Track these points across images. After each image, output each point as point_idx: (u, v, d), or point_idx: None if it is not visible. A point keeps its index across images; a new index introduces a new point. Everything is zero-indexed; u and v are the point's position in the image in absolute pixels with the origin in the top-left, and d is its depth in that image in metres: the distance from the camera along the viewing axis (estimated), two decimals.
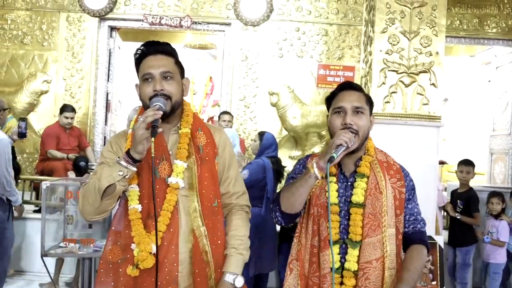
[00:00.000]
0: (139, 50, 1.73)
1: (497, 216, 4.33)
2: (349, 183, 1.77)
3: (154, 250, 1.60)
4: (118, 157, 1.59)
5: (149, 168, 1.65)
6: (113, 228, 1.72)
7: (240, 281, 1.67)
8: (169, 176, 1.66)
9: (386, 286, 1.66)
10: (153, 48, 1.72)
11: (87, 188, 1.62)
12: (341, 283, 1.69)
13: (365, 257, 1.67)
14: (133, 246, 1.63)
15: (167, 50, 1.73)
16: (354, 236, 1.69)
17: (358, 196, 1.72)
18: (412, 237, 1.77)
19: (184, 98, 1.80)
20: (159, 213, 1.62)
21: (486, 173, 6.89)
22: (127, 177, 1.57)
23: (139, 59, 1.73)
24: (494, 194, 4.42)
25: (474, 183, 5.29)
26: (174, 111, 1.70)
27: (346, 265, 1.68)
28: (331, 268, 1.68)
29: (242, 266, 1.72)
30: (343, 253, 1.71)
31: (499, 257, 4.25)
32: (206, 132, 1.77)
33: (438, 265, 3.39)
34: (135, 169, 1.57)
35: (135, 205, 1.64)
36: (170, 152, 1.71)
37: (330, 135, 1.82)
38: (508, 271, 4.43)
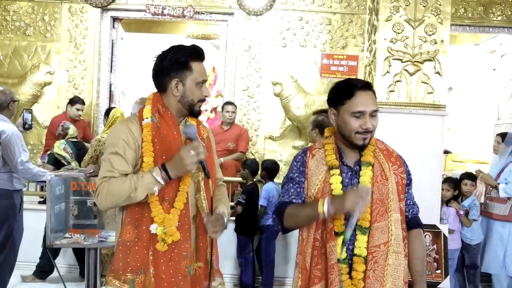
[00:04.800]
0: (194, 51, 1.87)
1: (447, 203, 4.33)
2: (353, 172, 1.81)
3: (177, 224, 1.79)
4: (155, 172, 1.74)
5: (163, 157, 1.82)
6: (129, 209, 1.84)
7: (228, 219, 1.95)
8: None
9: (389, 268, 1.71)
10: (203, 55, 1.91)
11: (118, 189, 1.75)
12: (349, 273, 1.72)
13: (374, 241, 1.72)
14: (152, 227, 1.77)
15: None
16: (364, 222, 1.73)
17: (366, 183, 1.75)
18: (412, 221, 1.89)
19: None
20: (173, 196, 1.80)
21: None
22: (157, 192, 1.77)
23: (188, 59, 1.85)
24: (445, 180, 4.40)
25: None
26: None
27: (357, 251, 1.72)
28: (338, 259, 1.71)
29: (228, 217, 1.97)
30: (350, 240, 1.73)
31: (452, 243, 4.24)
32: (204, 128, 2.07)
33: (443, 254, 3.40)
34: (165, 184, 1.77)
35: None
36: None
37: (340, 132, 1.83)
38: (463, 258, 4.43)
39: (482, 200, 4.62)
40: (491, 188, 4.49)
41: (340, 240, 1.72)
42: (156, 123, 1.84)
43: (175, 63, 1.85)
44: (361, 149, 1.82)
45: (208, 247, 1.88)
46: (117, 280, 1.80)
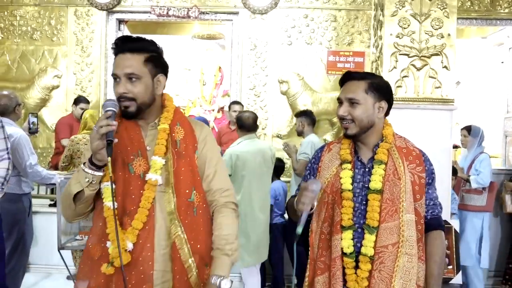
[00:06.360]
0: (113, 46, 1.69)
1: None
2: (366, 169, 1.79)
3: (129, 247, 1.59)
4: (84, 163, 1.59)
5: (123, 165, 1.65)
6: (94, 223, 1.70)
7: (226, 283, 1.60)
8: (145, 172, 1.64)
9: (398, 270, 1.67)
10: (123, 46, 1.66)
11: (64, 191, 1.66)
12: (355, 267, 1.72)
13: (381, 242, 1.69)
14: (108, 244, 1.61)
15: (136, 48, 1.66)
16: (372, 222, 1.71)
17: (376, 182, 1.74)
18: (431, 223, 1.81)
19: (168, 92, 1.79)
20: (135, 210, 1.61)
21: (501, 156, 6.81)
22: (94, 182, 1.59)
23: (115, 55, 1.68)
24: None
25: None
26: (141, 111, 1.67)
27: (363, 250, 1.70)
28: (344, 253, 1.71)
29: (229, 266, 1.65)
30: (357, 238, 1.73)
31: None
32: (186, 127, 1.75)
33: (454, 249, 3.37)
34: (100, 174, 1.58)
35: (107, 203, 1.61)
36: (148, 148, 1.69)
37: None
38: None
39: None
40: (464, 181, 4.55)
41: (346, 234, 1.72)
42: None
43: None
44: (377, 145, 1.81)
45: (188, 273, 1.63)
46: None
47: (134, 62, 1.63)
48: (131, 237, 1.59)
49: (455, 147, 6.49)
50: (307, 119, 4.43)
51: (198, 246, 1.66)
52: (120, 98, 1.63)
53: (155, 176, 1.62)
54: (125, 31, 6.55)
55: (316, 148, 4.03)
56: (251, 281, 3.85)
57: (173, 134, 1.70)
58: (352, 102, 1.76)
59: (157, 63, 1.70)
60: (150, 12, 6.12)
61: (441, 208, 1.86)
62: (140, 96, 1.64)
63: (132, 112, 1.64)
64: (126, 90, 1.62)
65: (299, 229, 1.62)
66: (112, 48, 1.69)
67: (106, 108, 1.58)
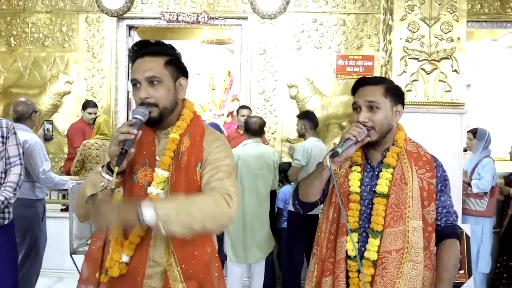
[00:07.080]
0: (130, 52, 1.65)
1: None
2: (375, 173, 1.78)
3: (124, 259, 1.55)
4: (102, 167, 1.53)
5: (130, 173, 1.59)
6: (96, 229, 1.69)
7: (146, 210, 1.37)
8: (149, 183, 1.56)
9: (403, 277, 1.64)
10: (141, 50, 1.61)
11: (80, 191, 1.61)
12: (358, 271, 1.70)
13: (385, 247, 1.67)
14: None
15: (155, 51, 1.60)
16: (376, 226, 1.69)
17: (382, 186, 1.73)
18: (445, 231, 1.78)
19: (186, 97, 1.70)
20: None
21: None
22: (108, 188, 1.50)
23: (133, 61, 1.63)
24: None
25: (500, 170, 5.19)
26: (164, 117, 1.60)
27: (366, 254, 1.69)
28: (347, 255, 1.70)
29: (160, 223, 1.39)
30: (362, 242, 1.72)
31: None
32: (195, 138, 1.62)
33: (466, 254, 3.35)
34: (116, 179, 1.50)
35: None
36: (158, 158, 1.60)
37: None
38: None
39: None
40: (466, 185, 4.47)
41: (351, 236, 1.71)
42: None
43: None
44: (387, 149, 1.80)
45: None
46: None
47: (154, 65, 1.57)
48: (127, 250, 1.54)
49: (466, 150, 6.45)
50: (310, 122, 4.42)
51: (191, 271, 1.54)
52: (141, 104, 1.55)
53: (155, 190, 1.54)
54: (135, 37, 6.61)
55: (309, 153, 4.10)
56: (231, 272, 4.00)
57: (180, 145, 1.60)
58: (372, 107, 1.73)
59: (178, 66, 1.64)
60: (160, 18, 6.17)
61: (456, 216, 1.81)
62: (162, 101, 1.56)
63: (154, 118, 1.56)
64: (147, 95, 1.55)
65: (339, 150, 1.68)
66: (129, 55, 1.67)
67: (134, 115, 1.52)
